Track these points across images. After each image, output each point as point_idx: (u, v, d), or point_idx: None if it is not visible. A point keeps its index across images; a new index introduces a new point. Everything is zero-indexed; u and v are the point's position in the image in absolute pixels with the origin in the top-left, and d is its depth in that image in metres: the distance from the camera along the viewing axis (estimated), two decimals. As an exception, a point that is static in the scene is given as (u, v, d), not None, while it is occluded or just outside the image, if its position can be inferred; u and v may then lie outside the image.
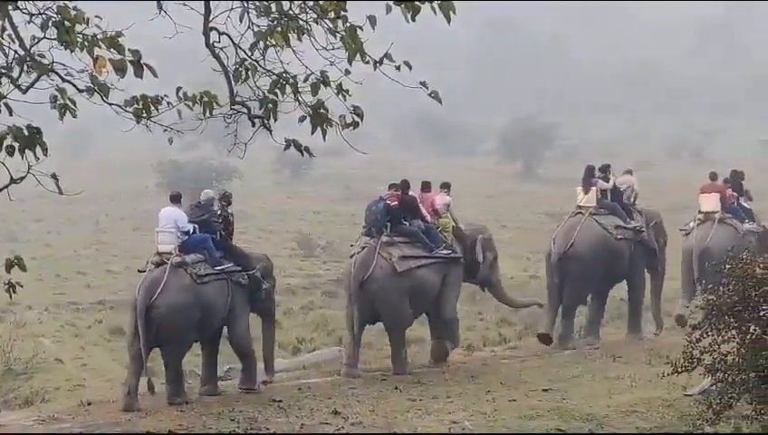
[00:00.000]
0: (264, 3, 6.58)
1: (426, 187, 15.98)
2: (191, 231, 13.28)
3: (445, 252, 15.36)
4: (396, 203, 15.07)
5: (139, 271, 13.39)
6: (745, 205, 18.51)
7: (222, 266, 13.35)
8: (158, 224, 13.33)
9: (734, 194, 18.37)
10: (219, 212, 13.81)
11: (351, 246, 15.47)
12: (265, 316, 14.32)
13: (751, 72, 75.46)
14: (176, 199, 13.60)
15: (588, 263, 16.69)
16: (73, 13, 6.20)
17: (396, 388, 13.36)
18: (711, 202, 18.08)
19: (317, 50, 6.54)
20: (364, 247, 14.89)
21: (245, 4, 6.60)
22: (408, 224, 15.15)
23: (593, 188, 17.15)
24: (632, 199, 17.76)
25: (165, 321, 12.71)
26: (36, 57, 6.36)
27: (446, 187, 16.15)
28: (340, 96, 6.67)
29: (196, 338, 13.35)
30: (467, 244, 15.89)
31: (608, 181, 17.35)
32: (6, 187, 6.61)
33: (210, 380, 13.58)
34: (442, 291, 15.42)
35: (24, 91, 6.43)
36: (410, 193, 15.39)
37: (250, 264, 13.78)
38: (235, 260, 13.61)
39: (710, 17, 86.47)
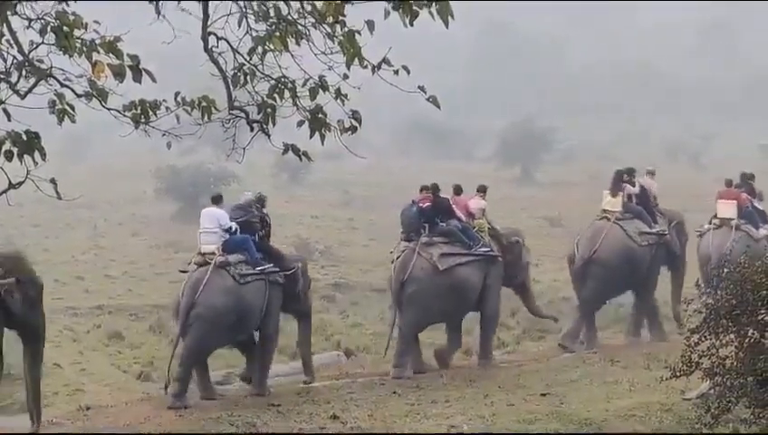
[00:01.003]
0: (263, 7, 6.60)
1: (457, 190, 15.98)
2: (233, 229, 13.38)
3: (484, 250, 15.38)
4: (428, 205, 15.14)
5: (180, 271, 13.49)
6: (759, 206, 18.40)
7: (262, 267, 13.47)
8: (200, 225, 13.47)
9: (749, 197, 18.29)
10: (257, 214, 13.92)
11: (391, 252, 15.50)
12: (302, 318, 14.39)
13: (751, 73, 75.30)
14: (217, 200, 13.78)
15: (611, 269, 16.66)
16: (72, 18, 6.21)
17: (394, 392, 13.35)
18: (729, 209, 17.85)
19: (315, 54, 6.56)
20: (404, 251, 14.95)
21: (244, 9, 6.61)
22: (444, 224, 15.20)
23: (620, 193, 17.11)
24: (653, 201, 17.70)
25: (200, 319, 12.80)
26: (35, 62, 6.38)
27: (481, 190, 16.19)
28: (338, 101, 6.68)
29: (224, 344, 13.45)
30: (505, 245, 15.90)
31: (633, 185, 17.34)
32: (5, 191, 6.62)
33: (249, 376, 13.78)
34: (484, 289, 15.43)
35: (23, 96, 6.44)
36: (442, 195, 15.41)
37: (288, 265, 13.89)
38: (274, 261, 13.72)
39: (710, 17, 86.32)
